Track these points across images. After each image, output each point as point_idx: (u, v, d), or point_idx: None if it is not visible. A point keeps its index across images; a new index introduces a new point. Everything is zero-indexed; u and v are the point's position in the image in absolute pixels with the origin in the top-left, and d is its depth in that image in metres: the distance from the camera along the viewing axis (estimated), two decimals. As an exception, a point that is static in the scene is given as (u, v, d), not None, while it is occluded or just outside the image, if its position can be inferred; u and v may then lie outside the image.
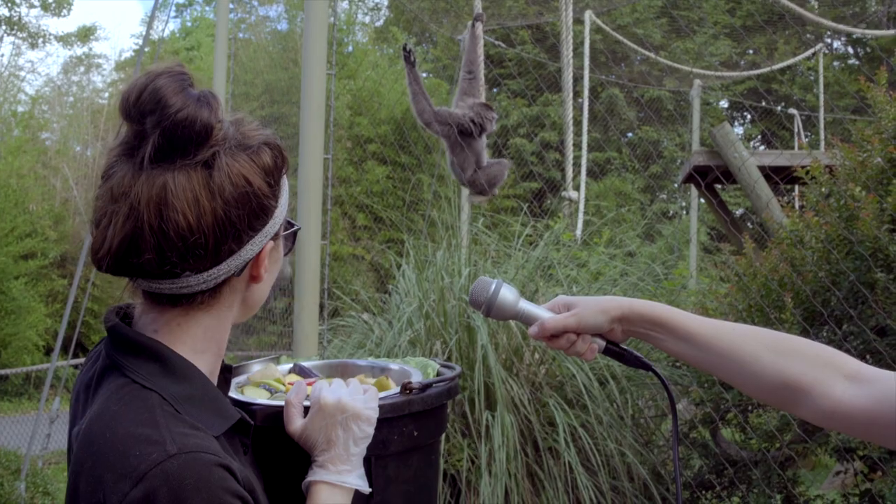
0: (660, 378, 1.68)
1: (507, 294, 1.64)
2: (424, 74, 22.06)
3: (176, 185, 1.30)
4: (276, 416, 1.50)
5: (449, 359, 4.80)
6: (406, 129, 16.04)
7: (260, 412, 1.52)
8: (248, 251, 1.38)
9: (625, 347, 1.66)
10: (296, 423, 1.47)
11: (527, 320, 1.63)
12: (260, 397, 1.62)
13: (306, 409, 1.49)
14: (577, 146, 11.66)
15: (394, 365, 1.79)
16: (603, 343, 1.64)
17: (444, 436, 4.21)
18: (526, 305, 1.64)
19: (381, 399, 1.52)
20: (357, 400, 1.47)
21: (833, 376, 1.42)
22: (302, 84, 4.51)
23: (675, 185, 22.02)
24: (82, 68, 26.99)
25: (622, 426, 4.69)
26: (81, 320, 8.50)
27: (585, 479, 4.29)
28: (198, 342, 1.41)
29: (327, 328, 6.00)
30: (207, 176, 1.32)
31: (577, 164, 11.40)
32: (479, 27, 5.80)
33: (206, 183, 1.32)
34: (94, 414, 1.32)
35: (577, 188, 10.91)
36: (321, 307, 5.87)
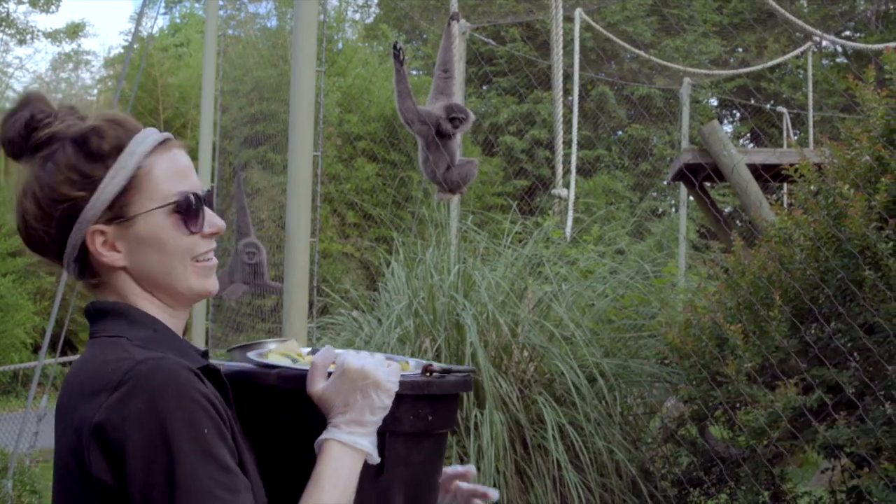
0: None
1: None
2: (415, 71, 22.04)
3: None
4: (299, 378, 1.53)
5: (438, 356, 4.80)
6: (396, 126, 16.00)
7: (283, 373, 1.56)
8: (74, 237, 1.51)
9: None
10: (318, 384, 1.51)
11: None
12: (284, 362, 1.64)
13: (330, 375, 1.53)
14: (568, 144, 11.66)
15: (407, 359, 1.80)
16: None
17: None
18: None
19: (402, 376, 1.55)
20: (380, 371, 1.51)
21: None
22: (291, 81, 4.51)
23: (665, 183, 22.05)
24: (71, 65, 26.89)
25: (611, 424, 4.69)
26: (69, 318, 8.49)
27: (574, 476, 4.29)
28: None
29: (316, 326, 5.99)
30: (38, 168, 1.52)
31: (566, 162, 11.40)
32: (455, 26, 5.83)
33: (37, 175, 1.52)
34: (71, 372, 1.47)
35: (566, 186, 10.90)
36: (310, 305, 5.86)
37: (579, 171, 11.93)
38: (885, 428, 4.10)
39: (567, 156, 11.45)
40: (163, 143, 1.56)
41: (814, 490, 4.93)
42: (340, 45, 21.89)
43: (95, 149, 1.49)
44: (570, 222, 9.84)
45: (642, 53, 16.00)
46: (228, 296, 8.47)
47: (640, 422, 5.13)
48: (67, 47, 27.28)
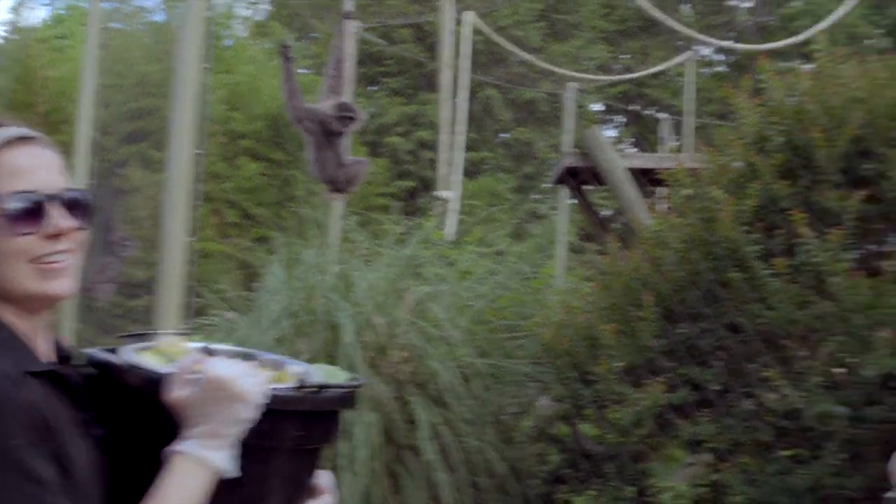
0: None
1: None
2: (304, 70, 21.84)
3: None
4: (159, 381, 1.45)
5: (313, 358, 4.76)
6: (281, 125, 15.82)
7: (147, 375, 1.48)
8: None
9: None
10: (177, 391, 1.44)
11: None
12: (154, 363, 1.55)
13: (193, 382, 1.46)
14: (452, 146, 11.72)
15: (299, 365, 1.72)
16: None
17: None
18: None
19: (273, 389, 1.48)
20: (244, 381, 1.44)
21: None
22: (176, 78, 4.40)
23: (548, 186, 22.35)
24: (-56, 56, 25.83)
25: (484, 423, 4.72)
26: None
27: (445, 475, 4.31)
28: None
29: (192, 327, 5.87)
30: None
31: (452, 164, 11.46)
32: (348, 25, 5.79)
33: None
34: None
35: (451, 187, 10.95)
36: (187, 305, 5.74)
37: (465, 172, 12.00)
38: (745, 424, 4.25)
39: (453, 157, 11.50)
40: (12, 141, 1.49)
41: (676, 485, 5.05)
42: (230, 42, 21.56)
43: None
44: (454, 223, 9.89)
45: (530, 57, 16.18)
46: (97, 295, 8.24)
47: (513, 421, 5.18)
48: (-60, 37, 26.15)
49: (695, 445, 4.43)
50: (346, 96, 5.90)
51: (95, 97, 9.36)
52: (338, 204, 7.96)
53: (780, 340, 4.33)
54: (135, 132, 13.51)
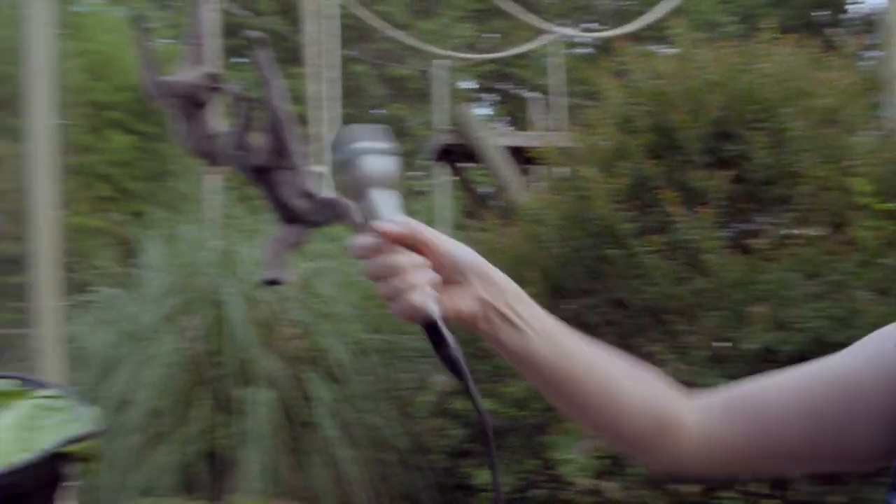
0: (473, 399, 1.00)
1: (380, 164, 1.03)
2: (167, 41, 21.19)
3: None
4: None
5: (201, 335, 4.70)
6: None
7: None
8: None
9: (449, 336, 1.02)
10: None
11: (371, 213, 1.02)
12: None
13: None
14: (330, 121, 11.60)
15: None
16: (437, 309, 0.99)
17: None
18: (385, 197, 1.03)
19: None
20: None
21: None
22: (25, 44, 4.26)
23: (427, 163, 22.37)
24: None
25: (382, 399, 4.73)
26: None
27: (346, 451, 4.32)
28: None
29: (70, 304, 5.70)
30: None
31: (324, 139, 11.36)
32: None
33: None
34: None
35: (324, 163, 10.84)
36: (63, 282, 5.58)
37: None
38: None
39: (321, 132, 11.39)
40: None
41: (577, 457, 5.12)
42: (86, 8, 20.71)
43: None
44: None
45: (398, 34, 16.14)
46: None
47: (410, 396, 5.16)
48: None
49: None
50: (210, 67, 5.81)
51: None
52: (213, 178, 7.82)
53: (662, 315, 4.45)
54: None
